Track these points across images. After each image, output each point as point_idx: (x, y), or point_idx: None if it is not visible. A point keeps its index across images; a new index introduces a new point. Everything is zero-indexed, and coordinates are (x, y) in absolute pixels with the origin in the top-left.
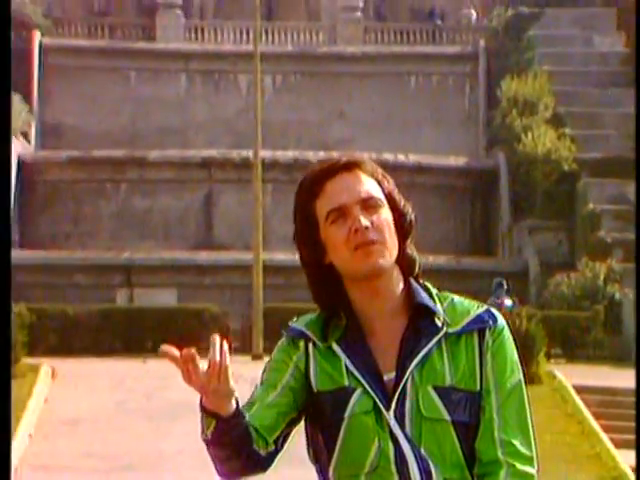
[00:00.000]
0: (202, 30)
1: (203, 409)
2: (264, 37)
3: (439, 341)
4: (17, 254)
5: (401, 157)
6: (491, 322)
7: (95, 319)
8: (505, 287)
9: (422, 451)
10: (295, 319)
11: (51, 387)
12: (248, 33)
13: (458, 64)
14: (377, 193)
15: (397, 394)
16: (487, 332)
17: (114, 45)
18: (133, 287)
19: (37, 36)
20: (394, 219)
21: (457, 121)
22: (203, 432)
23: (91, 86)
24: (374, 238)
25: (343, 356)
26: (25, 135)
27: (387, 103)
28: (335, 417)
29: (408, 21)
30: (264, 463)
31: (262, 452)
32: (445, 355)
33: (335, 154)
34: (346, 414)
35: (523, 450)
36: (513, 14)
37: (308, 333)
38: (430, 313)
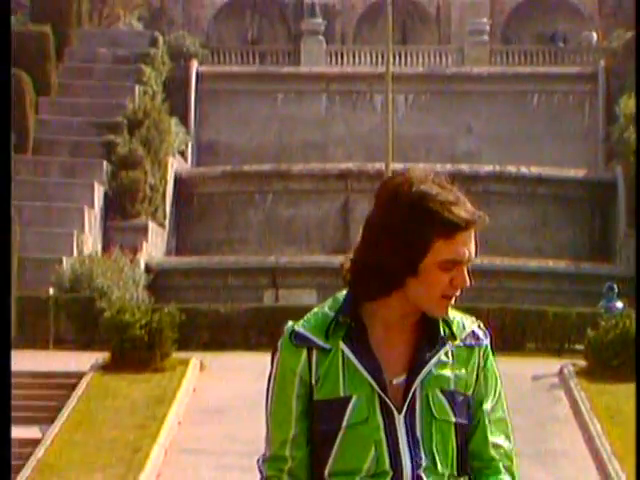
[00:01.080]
0: (342, 54)
1: None
2: (398, 60)
3: (446, 351)
4: (174, 260)
5: (524, 169)
6: (484, 340)
7: (244, 317)
8: (616, 291)
9: (421, 450)
10: (301, 321)
11: (199, 379)
12: (383, 56)
13: (579, 83)
14: None
15: (409, 397)
16: (482, 349)
17: (263, 70)
18: (278, 288)
19: (194, 65)
20: None
21: (577, 136)
22: None
23: (242, 107)
24: (457, 295)
25: (351, 356)
26: (182, 153)
27: (511, 119)
28: (330, 427)
29: (532, 44)
30: None
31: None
32: (449, 364)
33: (463, 166)
34: (343, 424)
35: (509, 451)
36: (632, 35)
37: (313, 339)
38: (441, 326)
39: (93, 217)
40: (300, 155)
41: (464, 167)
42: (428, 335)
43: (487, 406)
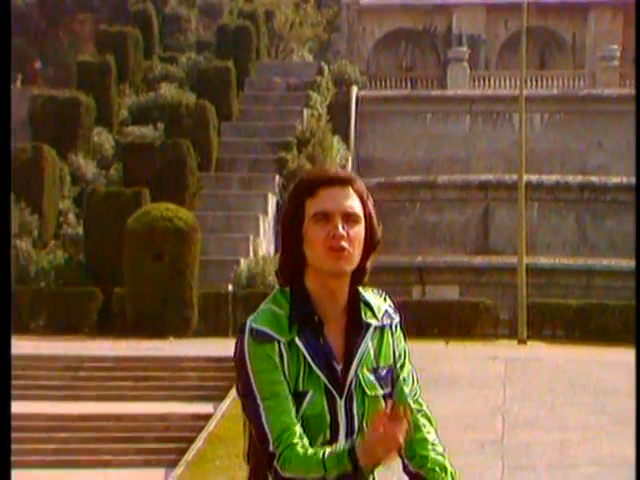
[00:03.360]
0: (484, 79)
1: (355, 460)
2: (536, 83)
3: (370, 334)
4: None
5: None
6: (396, 318)
7: None
8: None
9: (356, 428)
10: (252, 318)
11: None
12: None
13: None
14: (359, 210)
15: (347, 382)
16: (394, 325)
17: (415, 93)
18: (425, 284)
19: (355, 90)
20: (366, 235)
21: None
22: (326, 470)
23: (395, 126)
24: (345, 246)
25: (305, 352)
26: (343, 167)
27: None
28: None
29: None
30: None
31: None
32: (371, 343)
33: (593, 178)
34: (299, 414)
35: (420, 398)
36: None
37: (275, 335)
38: (363, 310)
39: (267, 224)
40: (446, 168)
41: (594, 179)
42: (353, 321)
43: (405, 374)
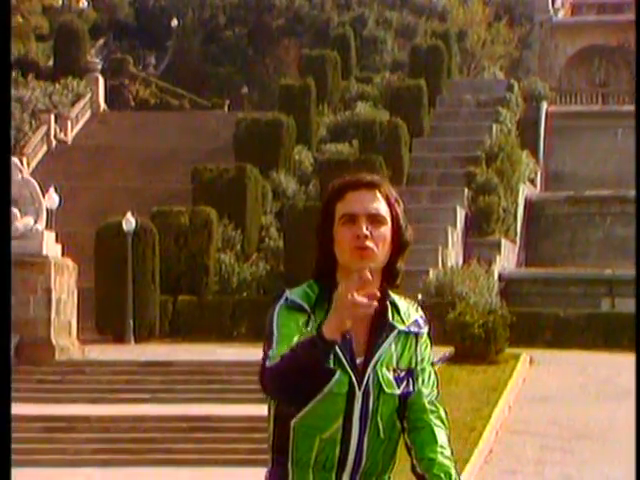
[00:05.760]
0: None
1: (329, 343)
2: None
3: (394, 335)
4: (524, 271)
5: None
6: (424, 328)
7: (582, 321)
8: None
9: (370, 421)
10: (289, 292)
11: (529, 371)
12: None
13: None
14: (384, 212)
15: (366, 376)
16: (421, 336)
17: (606, 109)
18: (614, 296)
19: (544, 105)
20: (393, 236)
21: None
22: (319, 362)
23: (585, 141)
24: (369, 246)
25: None
26: (532, 181)
27: None
28: (314, 386)
29: None
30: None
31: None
32: (395, 345)
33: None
34: (325, 389)
35: (437, 403)
36: None
37: (307, 308)
38: (390, 311)
39: (455, 235)
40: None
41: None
42: (380, 321)
43: (424, 374)
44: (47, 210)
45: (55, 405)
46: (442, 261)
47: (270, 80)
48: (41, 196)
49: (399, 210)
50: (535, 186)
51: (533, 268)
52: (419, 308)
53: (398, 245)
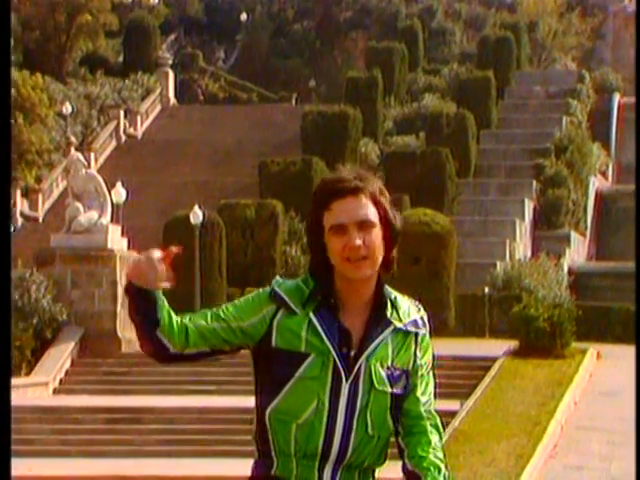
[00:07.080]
0: None
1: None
2: None
3: (390, 332)
4: (594, 264)
5: None
6: (422, 329)
7: None
8: None
9: (356, 414)
10: (279, 282)
11: (595, 366)
12: None
13: None
14: (373, 216)
15: (356, 368)
16: (420, 336)
17: None
18: None
19: (617, 97)
20: (384, 232)
21: None
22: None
23: None
24: (364, 254)
25: (319, 327)
26: (603, 173)
27: None
28: (285, 372)
29: None
30: (164, 354)
31: (170, 345)
32: (391, 343)
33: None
34: (296, 374)
35: (434, 411)
36: None
37: (289, 302)
38: (389, 308)
39: (523, 228)
40: None
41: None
42: (377, 316)
43: (420, 375)
44: (114, 204)
45: (121, 397)
46: (510, 254)
47: (337, 73)
48: (106, 190)
49: (386, 204)
50: (607, 179)
51: (604, 262)
52: (422, 309)
53: (390, 238)
